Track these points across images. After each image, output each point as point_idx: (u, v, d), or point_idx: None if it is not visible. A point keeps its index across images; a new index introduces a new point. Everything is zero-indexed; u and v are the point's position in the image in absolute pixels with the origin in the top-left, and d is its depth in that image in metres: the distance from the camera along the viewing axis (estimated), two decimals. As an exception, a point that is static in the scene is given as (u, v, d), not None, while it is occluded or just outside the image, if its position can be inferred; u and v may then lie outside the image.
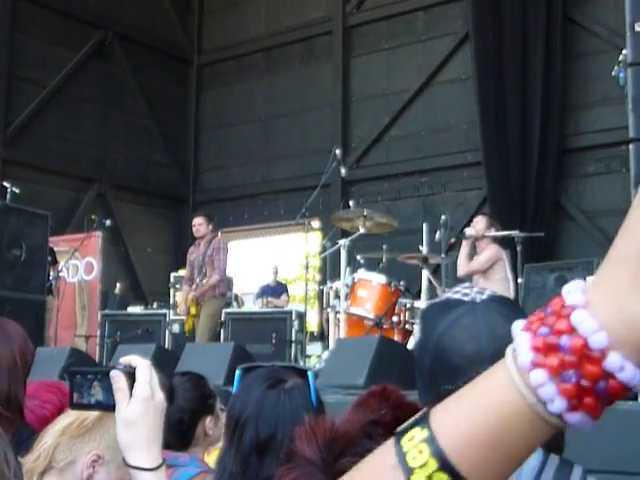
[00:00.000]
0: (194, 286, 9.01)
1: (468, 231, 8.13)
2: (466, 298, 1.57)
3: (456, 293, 1.61)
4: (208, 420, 2.98)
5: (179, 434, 2.89)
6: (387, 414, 0.89)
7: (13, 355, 2.47)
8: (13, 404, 2.40)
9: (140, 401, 1.46)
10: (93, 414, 2.01)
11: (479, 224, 8.14)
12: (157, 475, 1.47)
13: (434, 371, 1.55)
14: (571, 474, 1.51)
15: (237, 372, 2.02)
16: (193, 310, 8.96)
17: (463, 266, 8.03)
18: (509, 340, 1.39)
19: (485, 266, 7.97)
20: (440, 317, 1.56)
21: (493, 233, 8.09)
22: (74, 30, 14.05)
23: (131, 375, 1.48)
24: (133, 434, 1.46)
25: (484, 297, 1.58)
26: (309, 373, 2.03)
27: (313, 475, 0.85)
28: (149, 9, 15.22)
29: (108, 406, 1.48)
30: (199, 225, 9.15)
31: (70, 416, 2.08)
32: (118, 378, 1.47)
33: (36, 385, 2.74)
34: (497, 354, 1.36)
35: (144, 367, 1.49)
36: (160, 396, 1.50)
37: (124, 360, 1.51)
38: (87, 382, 1.51)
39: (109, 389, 1.48)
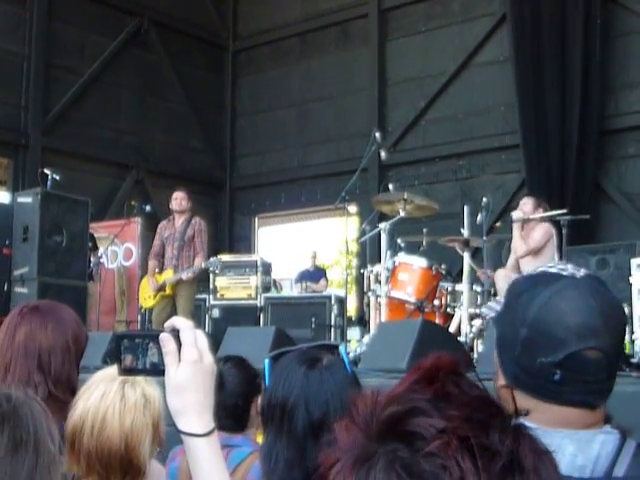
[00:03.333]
0: (174, 266, 8.81)
1: (515, 214, 8.05)
2: (564, 273, 1.56)
3: (551, 268, 1.60)
4: (260, 400, 3.01)
5: (236, 418, 2.95)
6: (431, 369, 0.89)
7: (66, 339, 2.51)
8: (64, 385, 2.43)
9: (189, 364, 1.42)
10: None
11: (527, 206, 8.08)
12: (209, 441, 1.43)
13: (530, 342, 1.52)
14: None
15: (266, 361, 1.99)
16: (169, 289, 8.77)
17: (521, 245, 7.92)
18: (613, 318, 1.53)
19: (541, 243, 7.89)
20: (539, 289, 1.54)
21: (541, 214, 8.00)
22: (110, 18, 14.11)
23: (179, 338, 1.44)
24: (183, 399, 1.42)
25: (582, 274, 1.56)
26: (341, 348, 2.01)
27: (358, 439, 0.84)
28: (184, -5, 15.21)
29: (160, 370, 1.44)
30: (181, 199, 9.01)
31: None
32: (167, 341, 1.42)
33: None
34: (600, 330, 1.50)
35: (188, 329, 1.44)
36: (209, 359, 1.45)
37: (168, 324, 1.46)
38: (137, 346, 1.47)
39: (160, 353, 1.44)
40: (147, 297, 9.02)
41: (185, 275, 8.68)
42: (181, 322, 1.45)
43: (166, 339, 1.43)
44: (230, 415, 2.93)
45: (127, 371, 1.50)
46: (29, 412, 1.37)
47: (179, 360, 1.42)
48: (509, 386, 1.55)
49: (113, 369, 2.06)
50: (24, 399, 1.43)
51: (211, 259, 8.83)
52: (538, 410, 1.50)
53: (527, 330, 1.53)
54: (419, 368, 0.90)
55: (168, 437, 2.16)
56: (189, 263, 8.85)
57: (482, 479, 0.78)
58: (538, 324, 1.51)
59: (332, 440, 0.86)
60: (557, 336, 1.49)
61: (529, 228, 8.03)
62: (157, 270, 8.95)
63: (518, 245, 7.96)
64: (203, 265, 8.78)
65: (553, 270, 1.58)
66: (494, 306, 1.69)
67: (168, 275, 8.79)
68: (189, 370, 1.42)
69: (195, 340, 1.44)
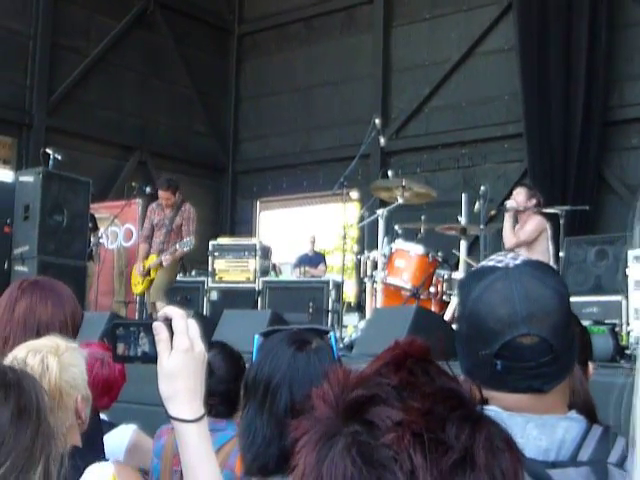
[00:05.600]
0: (159, 251, 8.94)
1: (509, 203, 8.04)
2: (500, 264, 1.59)
3: (490, 261, 1.63)
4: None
5: (229, 403, 2.98)
6: (400, 355, 0.90)
7: (65, 315, 2.55)
8: None
9: (180, 352, 1.47)
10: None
11: (519, 196, 8.04)
12: (199, 426, 1.48)
13: (470, 337, 1.57)
14: (614, 445, 1.48)
15: (256, 337, 2.00)
16: (153, 274, 8.93)
17: (510, 238, 7.92)
18: (543, 302, 1.54)
19: (532, 236, 7.88)
20: (474, 284, 1.57)
21: (536, 208, 7.96)
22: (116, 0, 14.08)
23: (171, 327, 1.48)
24: (174, 386, 1.46)
25: (517, 262, 1.59)
26: (331, 333, 2.03)
27: (326, 415, 0.86)
28: (190, -22, 15.17)
29: (152, 358, 1.49)
30: (167, 200, 9.05)
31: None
32: (160, 329, 1.47)
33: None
34: (530, 316, 1.51)
35: (179, 318, 1.49)
36: (200, 347, 1.50)
37: (161, 313, 1.51)
38: (130, 334, 1.51)
39: (153, 341, 1.48)
40: (136, 283, 9.19)
41: (164, 259, 8.82)
42: (173, 311, 1.50)
43: (159, 327, 1.47)
44: (223, 401, 2.97)
45: (120, 358, 1.55)
46: (32, 384, 1.43)
47: (171, 348, 1.47)
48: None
49: (45, 339, 2.18)
50: (27, 373, 1.50)
51: (185, 239, 8.88)
52: (494, 400, 1.53)
53: (466, 325, 1.59)
54: (391, 350, 0.91)
55: (157, 416, 2.17)
56: (172, 244, 8.97)
57: (432, 473, 0.80)
58: (473, 318, 1.55)
59: (310, 407, 0.89)
60: (490, 328, 1.52)
61: (522, 219, 8.01)
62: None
63: (508, 236, 7.94)
64: (177, 246, 8.85)
65: (490, 263, 1.61)
66: None
67: (152, 260, 8.98)
68: (180, 358, 1.47)
69: (187, 329, 1.49)
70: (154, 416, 2.26)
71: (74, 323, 2.59)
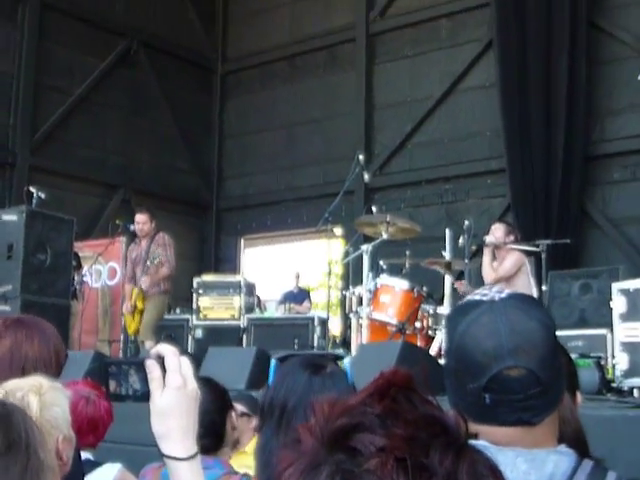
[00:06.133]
0: (142, 279, 9.00)
1: (488, 238, 8.08)
2: (485, 298, 1.60)
3: (475, 295, 1.65)
4: (233, 414, 3.10)
5: (215, 436, 2.98)
6: (384, 385, 0.90)
7: (50, 353, 2.53)
8: None
9: (173, 390, 1.46)
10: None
11: (498, 231, 8.10)
12: (192, 464, 1.47)
13: (458, 371, 1.58)
14: (604, 479, 1.51)
15: (273, 362, 2.05)
16: (140, 304, 8.96)
17: (490, 273, 7.95)
18: (528, 334, 1.55)
19: (512, 271, 7.92)
20: (460, 318, 1.59)
21: (515, 245, 8.00)
22: (100, 38, 14.13)
23: (164, 365, 1.48)
24: (167, 424, 1.46)
25: (502, 295, 1.60)
26: (345, 359, 2.12)
27: (311, 446, 0.86)
28: (174, 17, 15.28)
29: (145, 396, 1.48)
30: (143, 224, 9.17)
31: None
32: (153, 367, 1.47)
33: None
34: (517, 349, 1.53)
35: (172, 355, 1.48)
36: (193, 385, 1.49)
37: (154, 351, 1.50)
38: (122, 372, 1.52)
39: (145, 379, 1.48)
40: (130, 323, 9.23)
41: (142, 281, 8.91)
42: (166, 349, 1.49)
43: (151, 365, 1.47)
44: (208, 433, 2.91)
45: (113, 397, 1.55)
46: (21, 418, 1.43)
47: (163, 386, 1.46)
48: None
49: (30, 378, 2.15)
50: (17, 407, 1.50)
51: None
52: (483, 434, 1.53)
53: (454, 360, 1.60)
54: (375, 381, 0.92)
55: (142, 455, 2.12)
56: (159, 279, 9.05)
57: None
58: (460, 353, 1.56)
59: (296, 440, 0.88)
60: (477, 361, 1.53)
61: (501, 255, 8.06)
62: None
63: (487, 271, 7.98)
64: (162, 272, 8.95)
65: (476, 297, 1.63)
66: None
67: (135, 294, 9.04)
68: (173, 396, 1.46)
69: (179, 366, 1.48)
70: (139, 455, 2.19)
71: (58, 362, 2.57)
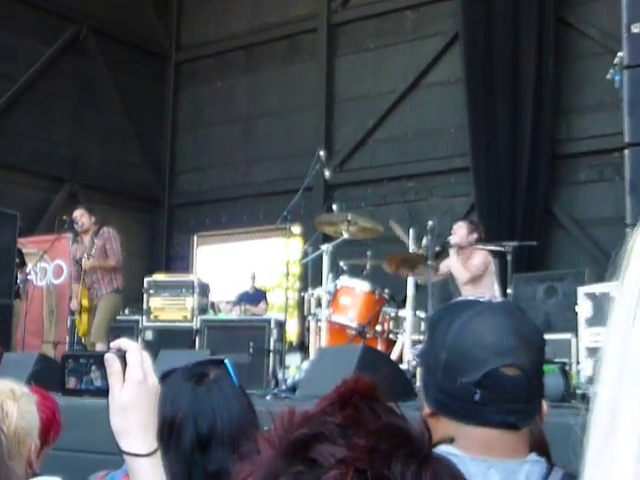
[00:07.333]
0: (93, 282, 8.83)
1: (452, 239, 8.00)
2: (482, 299, 1.65)
3: (469, 297, 1.73)
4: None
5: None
6: (345, 393, 0.89)
7: None
8: None
9: (133, 384, 1.45)
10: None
11: (460, 230, 8.02)
12: (152, 460, 1.46)
13: (450, 365, 1.58)
14: None
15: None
16: (85, 302, 8.77)
17: (463, 272, 7.85)
18: (527, 337, 1.61)
19: (481, 269, 7.87)
20: (457, 314, 1.61)
21: (481, 245, 7.95)
22: (47, 23, 13.79)
23: (124, 359, 1.47)
24: (127, 419, 1.45)
25: (499, 300, 1.72)
26: (226, 361, 2.08)
27: (269, 457, 0.85)
28: (126, 3, 14.96)
29: (103, 391, 1.48)
30: (81, 217, 8.98)
31: None
32: (112, 361, 1.46)
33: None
34: (517, 347, 1.58)
35: (134, 350, 1.48)
36: (153, 380, 1.49)
37: (114, 344, 1.50)
38: (81, 367, 1.52)
39: (104, 374, 1.47)
40: (80, 326, 9.04)
41: (83, 264, 8.71)
42: (127, 343, 1.49)
43: (111, 359, 1.46)
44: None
45: (70, 392, 1.54)
46: None
47: (123, 380, 1.45)
48: (434, 414, 1.60)
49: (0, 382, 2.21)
50: None
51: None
52: (462, 435, 1.55)
53: (447, 353, 1.58)
54: (337, 389, 0.91)
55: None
56: (106, 276, 8.88)
57: None
58: (457, 346, 1.57)
59: (252, 451, 0.88)
60: (475, 356, 1.55)
61: (466, 254, 7.97)
62: None
63: (460, 271, 7.88)
64: (108, 262, 8.78)
65: (471, 298, 1.68)
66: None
67: (83, 295, 8.89)
68: (133, 390, 1.45)
69: (141, 361, 1.48)
70: (82, 463, 2.26)
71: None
